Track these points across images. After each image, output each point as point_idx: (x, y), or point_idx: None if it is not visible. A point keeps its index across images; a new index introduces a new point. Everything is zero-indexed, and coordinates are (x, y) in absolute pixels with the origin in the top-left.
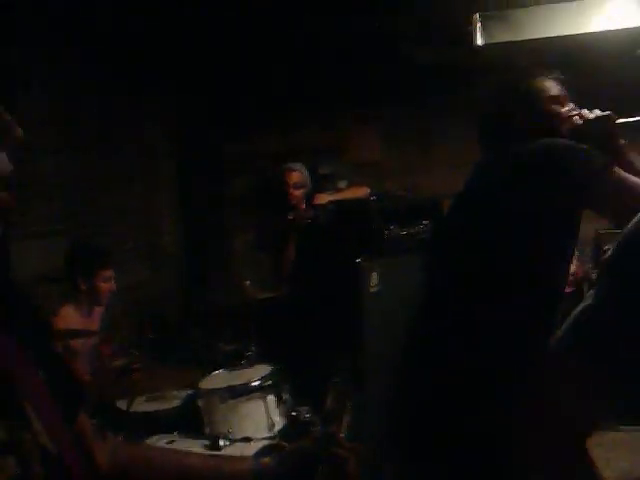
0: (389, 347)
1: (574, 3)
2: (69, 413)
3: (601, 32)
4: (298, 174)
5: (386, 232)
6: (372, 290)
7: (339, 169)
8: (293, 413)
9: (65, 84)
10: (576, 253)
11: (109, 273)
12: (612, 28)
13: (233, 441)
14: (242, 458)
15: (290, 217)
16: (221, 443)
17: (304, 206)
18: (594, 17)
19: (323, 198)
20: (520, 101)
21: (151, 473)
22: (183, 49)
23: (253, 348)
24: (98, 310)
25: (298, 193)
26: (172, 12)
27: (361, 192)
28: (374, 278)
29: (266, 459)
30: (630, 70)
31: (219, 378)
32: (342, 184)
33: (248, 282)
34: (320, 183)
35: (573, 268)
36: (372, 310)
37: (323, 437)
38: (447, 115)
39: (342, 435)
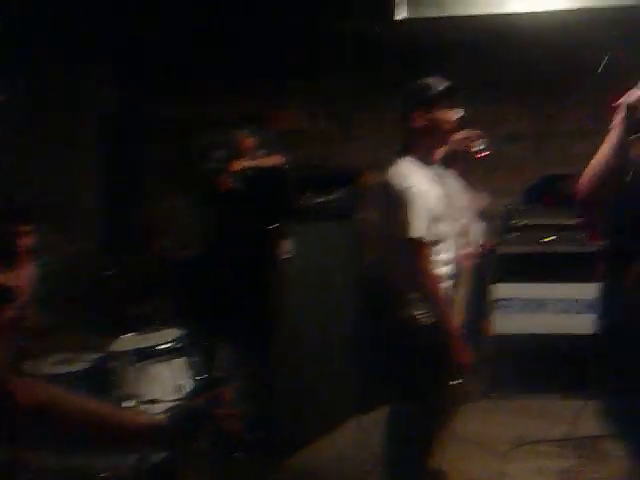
0: (302, 312)
1: None
2: None
3: (525, 13)
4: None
5: (301, 200)
6: (286, 256)
7: (259, 137)
8: (201, 376)
9: None
10: (484, 227)
11: (26, 228)
12: (537, 10)
13: (141, 403)
14: (138, 411)
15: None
16: (129, 405)
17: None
18: None
19: (239, 164)
20: None
21: (60, 414)
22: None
23: (164, 311)
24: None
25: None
26: None
27: (277, 160)
28: (288, 244)
29: (161, 416)
30: (549, 52)
31: (128, 341)
32: (260, 152)
33: (164, 244)
34: (237, 150)
35: (481, 241)
36: (286, 275)
37: (210, 399)
38: (368, 88)
39: (229, 398)
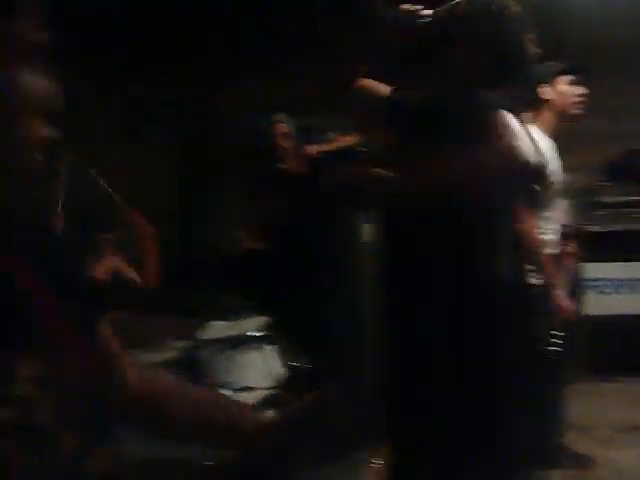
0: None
1: None
2: (88, 326)
3: None
4: (285, 125)
5: None
6: (363, 241)
7: (325, 120)
8: (292, 363)
9: None
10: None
11: None
12: None
13: (234, 391)
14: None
15: (281, 168)
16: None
17: (293, 158)
18: None
19: (313, 149)
20: None
21: (166, 402)
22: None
23: (249, 299)
24: None
25: (287, 144)
26: None
27: (351, 140)
28: (366, 229)
29: (278, 418)
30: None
31: (216, 328)
32: (330, 135)
33: (238, 233)
34: (307, 135)
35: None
36: (364, 261)
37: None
38: None
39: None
